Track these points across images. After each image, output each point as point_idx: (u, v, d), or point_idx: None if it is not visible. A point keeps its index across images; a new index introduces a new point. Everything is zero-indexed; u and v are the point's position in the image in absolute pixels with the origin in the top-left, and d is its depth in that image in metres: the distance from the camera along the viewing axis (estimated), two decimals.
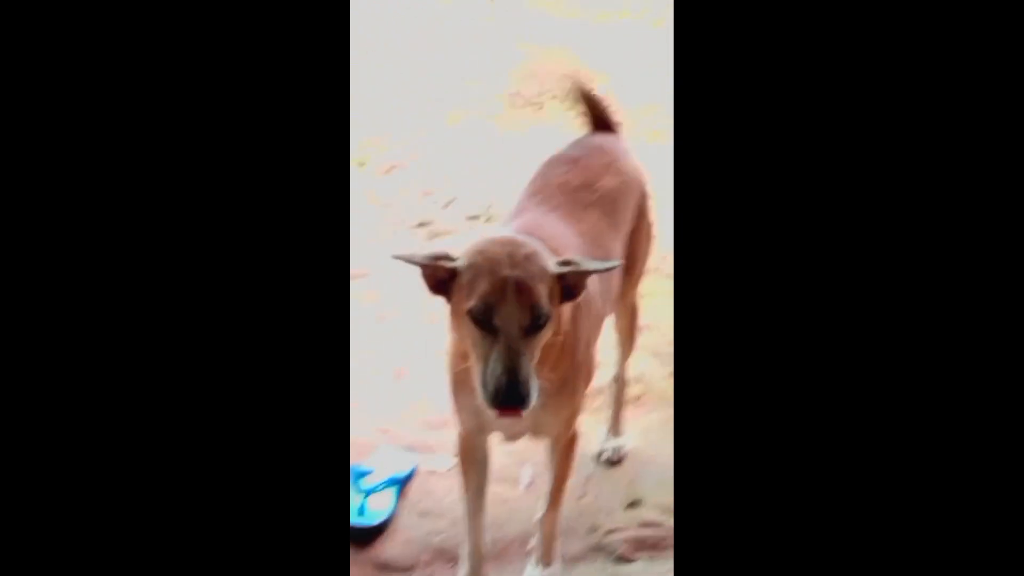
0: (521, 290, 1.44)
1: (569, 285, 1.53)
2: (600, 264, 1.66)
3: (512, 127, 4.26)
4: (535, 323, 1.45)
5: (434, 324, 2.72)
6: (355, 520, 2.05)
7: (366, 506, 2.09)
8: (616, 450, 2.24)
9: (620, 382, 2.26)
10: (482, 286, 1.45)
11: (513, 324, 1.44)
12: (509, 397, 1.43)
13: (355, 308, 2.03)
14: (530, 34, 5.78)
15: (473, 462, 1.81)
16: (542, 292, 1.46)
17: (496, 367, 1.43)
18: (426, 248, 2.59)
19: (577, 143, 2.03)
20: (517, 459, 2.19)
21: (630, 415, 2.35)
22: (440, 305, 1.58)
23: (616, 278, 1.89)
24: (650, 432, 2.34)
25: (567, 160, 1.94)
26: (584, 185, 1.87)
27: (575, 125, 2.19)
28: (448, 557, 2.00)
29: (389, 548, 2.03)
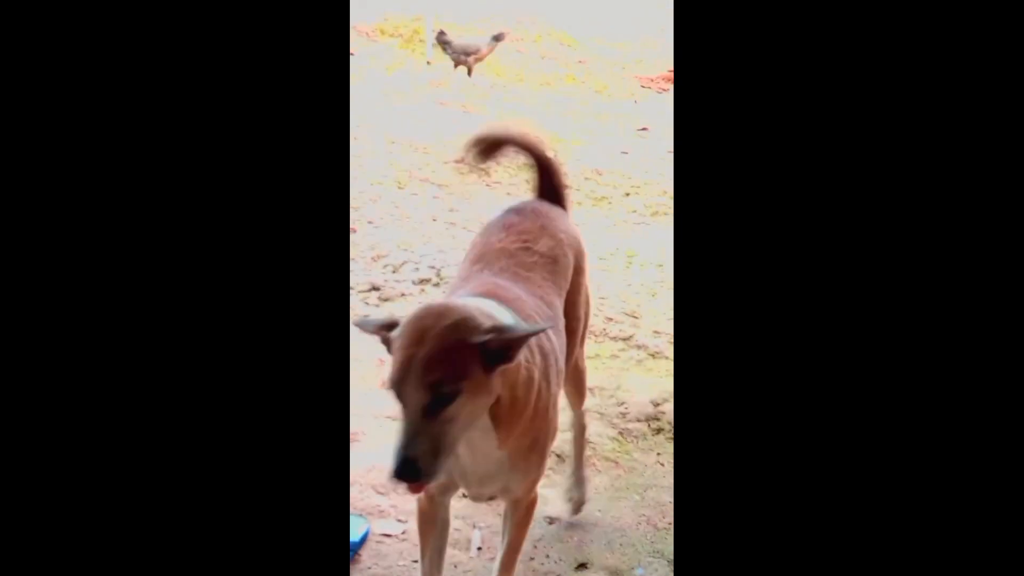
0: (425, 369, 1.41)
1: (498, 350, 1.46)
2: (532, 327, 1.61)
3: (460, 192, 4.35)
4: (436, 402, 1.41)
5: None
6: None
7: None
8: (577, 502, 2.30)
9: (578, 428, 2.31)
10: (393, 362, 1.46)
11: (411, 403, 1.43)
12: (402, 472, 1.42)
13: None
14: (476, 101, 5.92)
15: (433, 524, 1.81)
16: (449, 370, 1.41)
17: (396, 442, 1.43)
18: (379, 313, 2.61)
19: (509, 210, 2.07)
20: (468, 522, 2.22)
21: None
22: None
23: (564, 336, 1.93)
24: (598, 495, 2.40)
25: (502, 226, 1.98)
26: (523, 248, 1.91)
27: (522, 190, 2.24)
28: None
29: None
